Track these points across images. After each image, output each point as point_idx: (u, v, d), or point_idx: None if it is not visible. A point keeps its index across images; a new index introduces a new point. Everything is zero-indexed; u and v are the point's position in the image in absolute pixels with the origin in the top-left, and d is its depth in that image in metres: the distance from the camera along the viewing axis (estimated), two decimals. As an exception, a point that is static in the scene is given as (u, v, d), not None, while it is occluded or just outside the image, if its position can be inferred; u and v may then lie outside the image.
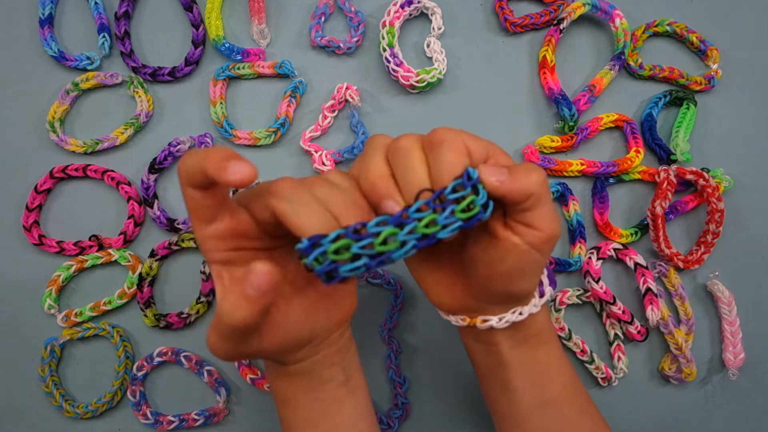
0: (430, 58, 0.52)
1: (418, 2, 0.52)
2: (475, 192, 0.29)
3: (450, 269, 0.37)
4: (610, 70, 0.51)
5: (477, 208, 0.29)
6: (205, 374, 0.49)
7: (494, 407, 0.41)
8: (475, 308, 0.36)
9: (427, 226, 0.29)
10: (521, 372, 0.38)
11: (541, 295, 0.37)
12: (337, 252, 0.28)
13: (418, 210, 0.29)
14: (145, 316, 0.49)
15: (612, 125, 0.52)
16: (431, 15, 0.52)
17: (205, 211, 0.31)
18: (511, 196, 0.30)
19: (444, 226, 0.29)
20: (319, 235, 0.28)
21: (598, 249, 0.50)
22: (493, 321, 0.36)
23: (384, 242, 0.28)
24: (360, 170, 0.33)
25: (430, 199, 0.29)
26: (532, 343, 0.38)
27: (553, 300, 0.50)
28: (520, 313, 0.36)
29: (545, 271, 0.37)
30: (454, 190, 0.29)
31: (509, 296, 0.35)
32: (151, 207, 0.50)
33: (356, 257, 0.28)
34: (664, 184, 0.49)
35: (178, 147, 0.50)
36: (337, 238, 0.28)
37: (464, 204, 0.29)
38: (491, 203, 0.30)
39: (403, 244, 0.29)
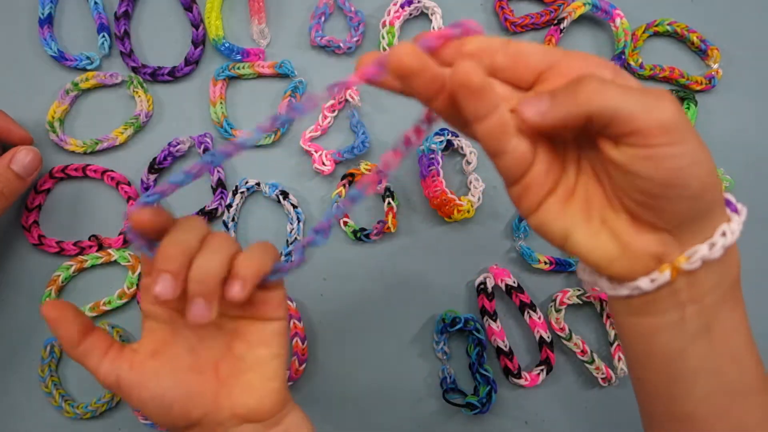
0: (430, 58, 0.52)
1: (418, 2, 0.52)
2: None
3: (599, 212, 0.28)
4: (611, 70, 0.51)
5: None
6: (205, 374, 0.49)
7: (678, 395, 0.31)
8: (659, 250, 0.27)
9: None
10: (732, 336, 0.29)
11: (734, 210, 0.29)
12: None
13: None
14: (145, 316, 0.49)
15: (612, 125, 0.52)
16: (431, 15, 0.52)
17: None
18: (572, 125, 0.25)
19: None
20: None
21: (598, 249, 0.50)
22: (703, 249, 0.27)
23: None
24: None
25: None
26: (736, 297, 0.29)
27: (553, 300, 0.50)
28: (723, 233, 0.27)
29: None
30: None
31: (693, 195, 0.26)
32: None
33: None
34: (665, 184, 0.49)
35: (178, 147, 0.50)
36: None
37: None
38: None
39: None
